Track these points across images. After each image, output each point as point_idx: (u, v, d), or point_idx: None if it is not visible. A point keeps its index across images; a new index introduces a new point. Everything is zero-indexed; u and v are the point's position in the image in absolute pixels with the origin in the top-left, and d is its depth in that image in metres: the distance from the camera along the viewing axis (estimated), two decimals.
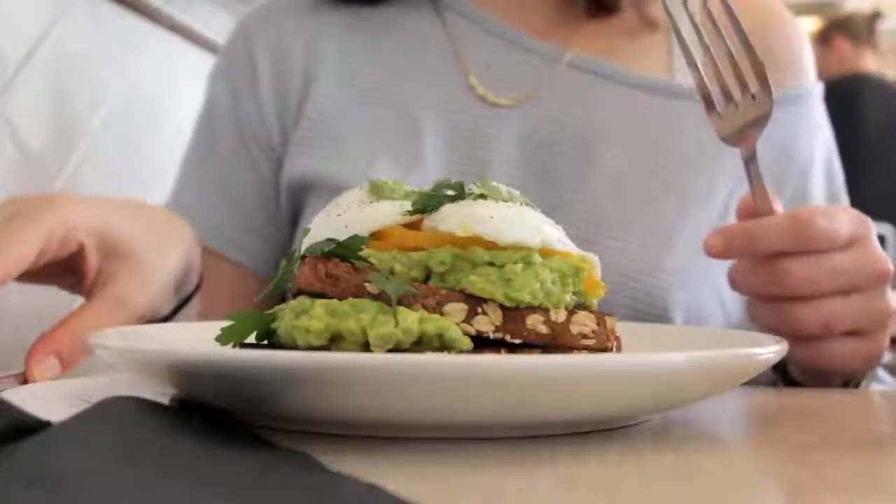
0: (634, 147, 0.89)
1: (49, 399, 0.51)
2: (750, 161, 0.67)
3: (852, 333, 0.67)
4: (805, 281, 0.65)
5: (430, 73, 0.92)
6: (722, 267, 0.73)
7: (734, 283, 0.69)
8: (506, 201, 0.52)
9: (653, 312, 0.81)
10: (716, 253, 0.68)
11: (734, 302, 0.86)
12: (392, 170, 0.86)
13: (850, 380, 0.73)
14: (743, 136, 0.67)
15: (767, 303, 0.68)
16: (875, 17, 3.35)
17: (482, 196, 0.52)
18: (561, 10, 0.94)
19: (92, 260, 0.63)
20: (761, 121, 0.66)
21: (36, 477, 0.30)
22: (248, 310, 0.51)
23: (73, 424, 0.37)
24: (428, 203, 0.51)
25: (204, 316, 0.79)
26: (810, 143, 0.94)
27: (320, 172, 0.87)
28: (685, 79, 0.92)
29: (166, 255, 0.68)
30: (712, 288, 0.84)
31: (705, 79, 0.68)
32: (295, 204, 0.90)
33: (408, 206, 0.52)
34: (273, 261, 0.92)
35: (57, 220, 0.60)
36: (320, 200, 0.86)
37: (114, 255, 0.64)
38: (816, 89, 0.96)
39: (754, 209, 0.68)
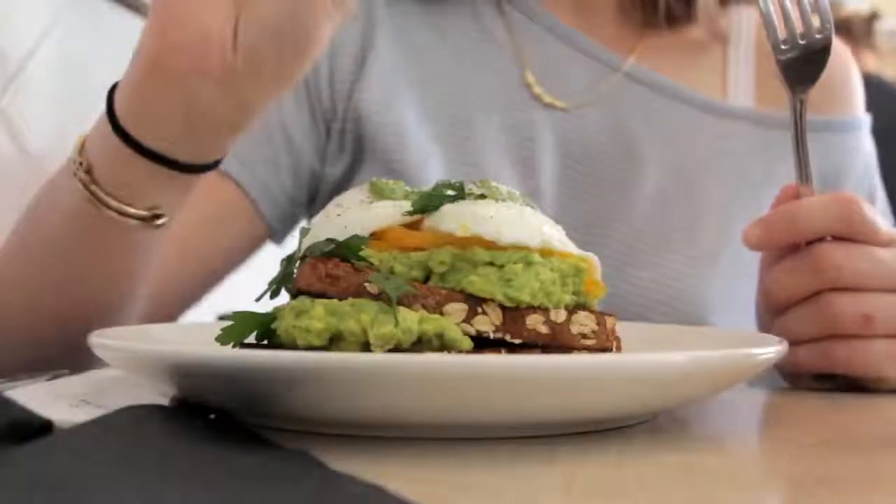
0: (682, 165, 0.89)
1: (49, 399, 0.51)
2: (800, 111, 0.67)
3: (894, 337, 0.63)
4: (848, 267, 0.62)
5: (488, 66, 0.91)
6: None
7: (771, 285, 0.66)
8: (505, 201, 0.52)
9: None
10: (755, 244, 0.65)
11: None
12: (447, 165, 0.85)
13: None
14: (800, 71, 0.67)
15: (803, 304, 0.64)
16: (873, 17, 3.34)
17: (482, 196, 0.52)
18: (624, 20, 0.94)
19: None
20: (819, 53, 0.66)
21: (37, 479, 0.30)
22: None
23: (75, 431, 0.37)
24: (428, 203, 0.51)
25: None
26: (857, 172, 0.94)
27: (380, 136, 0.86)
28: (738, 99, 0.92)
29: None
30: (749, 310, 0.84)
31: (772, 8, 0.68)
32: (355, 152, 0.88)
33: (408, 206, 0.52)
34: (283, 204, 0.89)
35: None
36: (374, 165, 0.85)
37: None
38: (866, 121, 0.96)
39: (794, 194, 0.66)
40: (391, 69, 0.89)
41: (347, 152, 0.88)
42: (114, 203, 0.60)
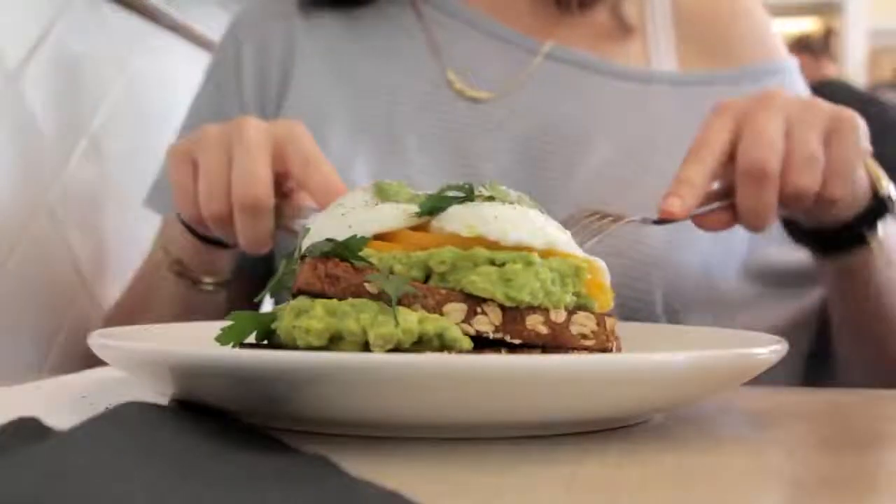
0: (617, 135, 0.90)
1: (51, 395, 0.51)
2: None
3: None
4: (773, 127, 0.67)
5: (409, 70, 0.92)
6: (708, 240, 0.72)
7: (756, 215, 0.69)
8: (514, 204, 0.52)
9: (634, 287, 0.81)
10: (679, 211, 0.68)
11: (723, 272, 0.86)
12: (373, 167, 0.86)
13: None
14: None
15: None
16: (829, 34, 3.70)
17: (490, 198, 0.52)
18: (536, 8, 0.95)
19: None
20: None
21: (54, 471, 0.30)
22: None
23: (89, 426, 0.37)
24: (435, 206, 0.51)
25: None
26: None
27: None
28: (661, 65, 0.94)
29: None
30: (698, 261, 0.84)
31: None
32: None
33: (414, 208, 0.52)
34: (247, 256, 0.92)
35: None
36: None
37: None
38: (792, 63, 0.97)
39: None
40: (314, 84, 0.91)
41: None
42: (203, 279, 0.83)
